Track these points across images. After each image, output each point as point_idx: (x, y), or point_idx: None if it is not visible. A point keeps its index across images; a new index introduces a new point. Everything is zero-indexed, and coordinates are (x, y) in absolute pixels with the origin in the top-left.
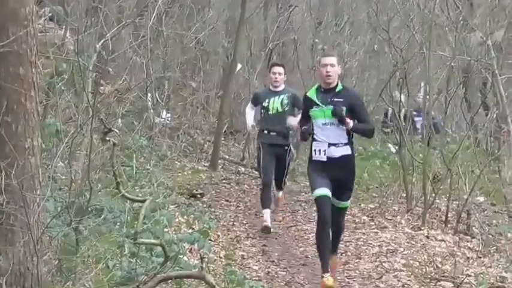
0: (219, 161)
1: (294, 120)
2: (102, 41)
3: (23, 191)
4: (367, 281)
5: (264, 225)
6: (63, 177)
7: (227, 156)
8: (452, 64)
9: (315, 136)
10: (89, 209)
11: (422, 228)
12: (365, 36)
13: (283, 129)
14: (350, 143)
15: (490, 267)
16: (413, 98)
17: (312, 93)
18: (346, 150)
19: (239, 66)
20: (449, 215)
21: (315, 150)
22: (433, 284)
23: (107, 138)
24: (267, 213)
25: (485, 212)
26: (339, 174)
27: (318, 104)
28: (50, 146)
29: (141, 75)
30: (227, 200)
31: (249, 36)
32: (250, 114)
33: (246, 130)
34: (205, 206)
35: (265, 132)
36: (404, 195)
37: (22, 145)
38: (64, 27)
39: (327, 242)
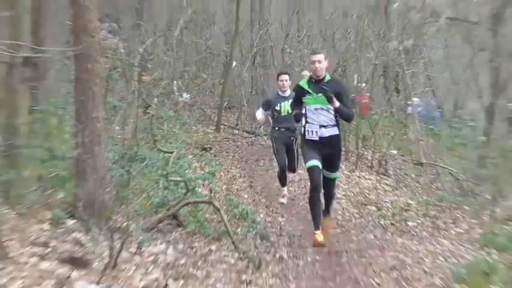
0: (221, 126)
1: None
2: (143, 46)
3: (93, 145)
4: None
5: (281, 202)
6: (119, 137)
7: (226, 123)
8: (376, 62)
9: (308, 119)
10: (136, 157)
11: (355, 171)
12: (318, 44)
13: (291, 125)
14: (337, 124)
15: (400, 196)
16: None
17: (304, 84)
18: (335, 131)
19: (234, 63)
20: (373, 163)
21: (308, 131)
22: (363, 207)
23: (147, 111)
24: (284, 190)
25: (397, 160)
26: (329, 151)
27: (310, 93)
28: (110, 116)
29: (169, 69)
30: (227, 152)
31: (240, 43)
32: (260, 114)
33: (257, 122)
34: (212, 155)
35: (277, 129)
36: (344, 149)
37: (91, 115)
38: (117, 37)
39: (318, 205)
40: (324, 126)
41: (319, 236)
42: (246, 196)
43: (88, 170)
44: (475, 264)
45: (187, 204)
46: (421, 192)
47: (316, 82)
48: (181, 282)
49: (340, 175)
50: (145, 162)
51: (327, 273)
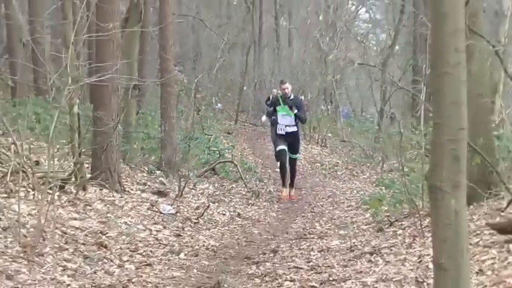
0: (238, 121)
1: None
2: (196, 79)
3: (170, 131)
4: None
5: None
6: (183, 127)
7: (240, 119)
8: (319, 87)
9: (278, 121)
10: (192, 138)
11: (309, 145)
12: (288, 77)
13: (292, 125)
14: (297, 125)
15: (333, 158)
16: None
17: (280, 97)
18: (295, 129)
19: (244, 88)
20: (318, 141)
21: (279, 128)
22: (313, 164)
23: (199, 113)
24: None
25: (331, 139)
26: (291, 140)
27: (281, 104)
28: (179, 116)
29: (210, 91)
30: (240, 135)
31: (248, 77)
32: (264, 118)
33: (263, 121)
34: (232, 136)
35: (280, 129)
36: (303, 133)
37: (169, 115)
38: (183, 74)
39: (285, 173)
40: (288, 126)
41: (285, 191)
42: (250, 158)
43: (167, 144)
44: (373, 195)
45: (219, 162)
46: (344, 156)
47: (285, 99)
48: (216, 204)
49: (300, 157)
50: (197, 140)
51: (294, 200)
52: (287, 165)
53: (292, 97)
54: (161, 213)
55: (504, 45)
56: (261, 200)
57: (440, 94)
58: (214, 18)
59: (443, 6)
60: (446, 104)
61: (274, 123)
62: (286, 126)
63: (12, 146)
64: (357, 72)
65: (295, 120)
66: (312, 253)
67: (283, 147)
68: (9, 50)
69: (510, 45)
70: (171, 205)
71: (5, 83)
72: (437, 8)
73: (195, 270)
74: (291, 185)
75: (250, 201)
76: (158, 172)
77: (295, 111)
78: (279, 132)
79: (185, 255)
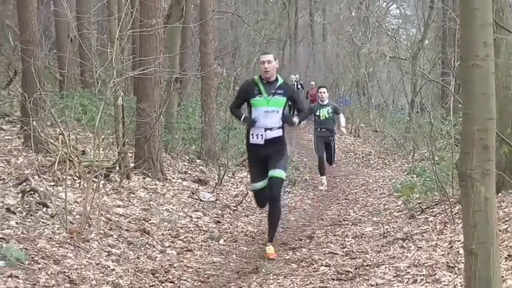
0: None
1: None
2: (235, 72)
3: (210, 122)
4: None
5: (320, 189)
6: (222, 117)
7: None
8: (352, 79)
9: (256, 122)
10: (231, 128)
11: (340, 135)
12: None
13: (330, 127)
14: (283, 126)
15: (366, 147)
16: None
17: (258, 81)
18: (279, 133)
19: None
20: (351, 131)
21: (252, 134)
22: (346, 154)
23: None
24: (323, 179)
25: (364, 129)
26: (272, 150)
27: (261, 94)
28: (218, 107)
29: None
30: None
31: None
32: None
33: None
34: None
35: (318, 129)
36: None
37: (209, 107)
38: (223, 67)
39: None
40: (270, 129)
41: (271, 250)
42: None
43: (207, 135)
44: (405, 183)
45: None
46: (376, 146)
47: (268, 83)
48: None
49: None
50: (236, 130)
51: (329, 187)
52: (159, 232)
53: (281, 82)
54: (201, 200)
55: None
56: (296, 187)
57: (470, 85)
58: (252, 14)
59: (472, 1)
60: (476, 95)
61: (251, 123)
62: (266, 130)
63: (60, 136)
64: (389, 66)
65: (282, 120)
66: (346, 239)
67: (260, 184)
68: (58, 45)
69: None
70: (211, 193)
71: (53, 76)
72: (467, 3)
73: (234, 256)
74: (270, 239)
75: (286, 189)
76: (198, 161)
77: (296, 120)
78: (254, 140)
79: (224, 241)
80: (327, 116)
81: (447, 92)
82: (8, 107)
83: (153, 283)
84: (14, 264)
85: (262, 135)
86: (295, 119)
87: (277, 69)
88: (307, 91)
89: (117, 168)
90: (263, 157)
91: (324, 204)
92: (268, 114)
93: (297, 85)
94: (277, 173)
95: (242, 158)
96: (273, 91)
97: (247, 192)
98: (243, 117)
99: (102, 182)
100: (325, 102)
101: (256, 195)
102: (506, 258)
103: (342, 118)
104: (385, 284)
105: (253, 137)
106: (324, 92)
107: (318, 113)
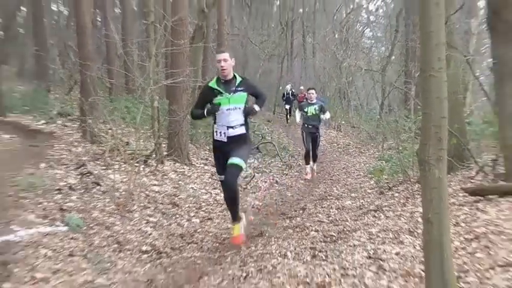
0: (276, 112)
1: (327, 115)
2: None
3: None
4: None
5: (305, 178)
6: None
7: (277, 111)
8: (335, 87)
9: (216, 120)
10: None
11: (326, 130)
12: (313, 81)
13: (316, 124)
14: (246, 123)
15: (346, 139)
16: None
17: (213, 84)
18: (242, 130)
19: (288, 85)
20: (335, 127)
21: (216, 131)
22: (331, 144)
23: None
24: (307, 168)
25: (344, 125)
26: (235, 145)
27: (222, 93)
28: None
29: None
30: (277, 122)
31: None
32: (298, 115)
33: (298, 122)
34: (271, 124)
35: (306, 125)
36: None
37: None
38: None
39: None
40: (232, 127)
41: (236, 229)
42: (285, 140)
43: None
44: (376, 167)
45: (262, 143)
46: (354, 138)
47: (226, 82)
48: (260, 174)
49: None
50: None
51: (317, 171)
52: (185, 205)
53: (240, 80)
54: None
55: (472, 55)
56: (292, 171)
57: (428, 92)
58: (257, 36)
59: (429, 26)
60: (432, 99)
61: (215, 110)
62: (228, 128)
63: (110, 131)
64: (364, 76)
65: (245, 117)
66: (331, 210)
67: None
68: (108, 60)
69: (477, 55)
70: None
71: (104, 85)
72: (425, 27)
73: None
74: (234, 219)
75: (284, 172)
76: None
77: (257, 108)
78: (218, 137)
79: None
80: (314, 113)
81: (409, 97)
82: (70, 108)
83: (181, 244)
84: (74, 229)
85: (225, 133)
86: (256, 107)
87: (234, 67)
88: (297, 94)
89: (154, 155)
90: (226, 152)
91: (314, 184)
92: (230, 112)
93: (292, 93)
94: (235, 160)
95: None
96: (233, 89)
97: (254, 175)
98: (205, 110)
99: (142, 166)
100: (313, 101)
101: (223, 186)
102: (454, 225)
103: (328, 114)
104: (360, 245)
105: (216, 134)
106: (313, 93)
107: (306, 110)
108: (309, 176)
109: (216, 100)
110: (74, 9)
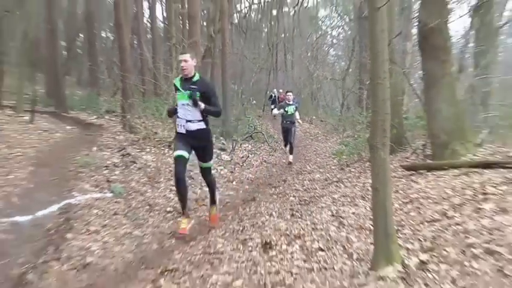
0: (265, 110)
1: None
2: (242, 87)
3: (227, 115)
4: None
5: (288, 161)
6: (234, 112)
7: (266, 109)
8: (308, 92)
9: (178, 114)
10: (240, 118)
11: (302, 122)
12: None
13: (292, 120)
14: (205, 120)
15: (316, 130)
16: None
17: (176, 81)
18: (201, 126)
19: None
20: (307, 120)
21: (177, 124)
22: (305, 134)
23: (243, 105)
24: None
25: (315, 120)
26: (198, 143)
27: (179, 89)
28: (232, 107)
29: (249, 94)
30: (266, 118)
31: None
32: (275, 111)
33: (273, 116)
34: (261, 119)
35: (284, 122)
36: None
37: (227, 107)
38: (234, 84)
39: (183, 192)
40: (190, 121)
41: (184, 223)
42: (271, 130)
43: (226, 122)
44: (338, 150)
45: (254, 132)
46: (322, 129)
47: (186, 80)
48: (252, 155)
49: (213, 164)
50: (242, 120)
51: (295, 153)
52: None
53: (197, 79)
54: (222, 160)
55: (408, 68)
56: (276, 153)
57: (375, 95)
58: (251, 54)
59: (377, 47)
60: (379, 100)
61: (173, 112)
62: (187, 121)
63: (143, 123)
64: (329, 83)
65: (202, 114)
66: (304, 182)
67: (180, 152)
68: (142, 72)
69: (411, 69)
70: (228, 155)
71: (139, 90)
72: (374, 48)
73: (241, 191)
74: (213, 203)
75: (270, 154)
76: (221, 138)
77: (202, 106)
78: (179, 129)
79: (235, 183)
80: (292, 112)
81: (362, 98)
82: (114, 107)
83: (195, 207)
84: (117, 195)
85: (183, 125)
86: (202, 104)
87: (196, 67)
88: (277, 96)
89: None
90: (186, 141)
91: (293, 162)
92: (185, 107)
93: (277, 97)
94: (204, 165)
95: (245, 136)
96: (188, 86)
97: (248, 155)
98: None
99: (166, 149)
100: (291, 102)
101: (176, 160)
102: (394, 192)
103: (297, 115)
104: (326, 207)
105: (178, 127)
106: (290, 95)
107: (286, 109)
108: (290, 159)
109: (177, 95)
110: (117, 35)
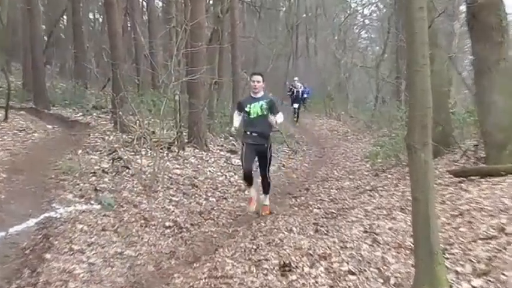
0: (284, 104)
1: (279, 118)
2: None
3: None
4: None
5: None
6: None
7: (284, 103)
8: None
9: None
10: None
11: (327, 119)
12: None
13: (264, 130)
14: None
15: (345, 127)
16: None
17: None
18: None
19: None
20: (335, 116)
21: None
22: (332, 132)
23: None
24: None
25: (343, 115)
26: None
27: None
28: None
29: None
30: (284, 113)
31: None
32: (237, 119)
33: (232, 130)
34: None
35: (248, 133)
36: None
37: (237, 100)
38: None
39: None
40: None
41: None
42: (291, 128)
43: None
44: (371, 152)
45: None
46: (352, 126)
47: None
48: None
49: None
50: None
51: (319, 155)
52: (203, 186)
53: (261, 94)
54: (232, 164)
55: (455, 53)
56: (297, 156)
57: (413, 85)
58: (266, 38)
59: (414, 27)
60: (417, 91)
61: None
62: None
63: (137, 121)
64: (360, 72)
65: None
66: (331, 190)
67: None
68: (136, 60)
69: (459, 53)
70: (239, 159)
71: (133, 81)
72: (411, 29)
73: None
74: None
75: (290, 157)
76: (231, 138)
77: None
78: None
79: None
80: (260, 114)
81: (400, 89)
82: (103, 102)
83: (200, 220)
84: (107, 207)
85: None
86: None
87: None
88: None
89: (176, 143)
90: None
91: (316, 167)
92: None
93: (303, 91)
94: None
95: None
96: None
97: None
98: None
99: (165, 152)
100: (259, 95)
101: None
102: (441, 203)
103: (280, 117)
104: (357, 221)
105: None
106: (259, 82)
107: (247, 109)
108: (266, 201)
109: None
110: (107, 16)
